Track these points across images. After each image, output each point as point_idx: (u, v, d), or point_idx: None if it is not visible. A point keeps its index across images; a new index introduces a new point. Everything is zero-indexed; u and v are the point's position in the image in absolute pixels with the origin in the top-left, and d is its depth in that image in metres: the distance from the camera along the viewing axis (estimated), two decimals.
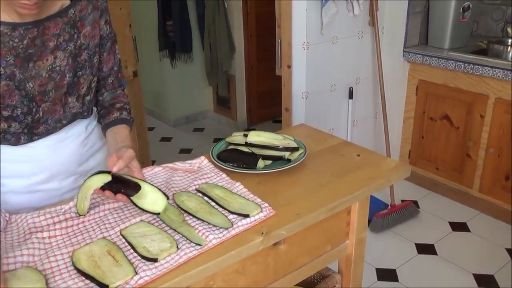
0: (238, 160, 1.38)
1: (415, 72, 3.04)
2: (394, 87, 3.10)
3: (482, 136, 2.76)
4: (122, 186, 1.11)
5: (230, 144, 1.50)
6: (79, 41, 1.19)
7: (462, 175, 2.94)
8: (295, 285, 1.46)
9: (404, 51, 3.02)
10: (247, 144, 1.45)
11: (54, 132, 1.25)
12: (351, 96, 2.90)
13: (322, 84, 2.78)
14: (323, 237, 1.33)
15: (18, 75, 1.11)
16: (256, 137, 1.46)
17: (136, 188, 1.10)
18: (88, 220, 1.15)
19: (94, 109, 1.41)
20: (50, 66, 1.16)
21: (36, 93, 1.15)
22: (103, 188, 1.11)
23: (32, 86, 1.14)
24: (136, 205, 1.10)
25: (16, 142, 1.21)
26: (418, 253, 2.56)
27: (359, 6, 2.70)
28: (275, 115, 4.36)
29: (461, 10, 2.87)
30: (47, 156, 1.27)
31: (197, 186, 1.28)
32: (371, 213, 2.65)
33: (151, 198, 1.10)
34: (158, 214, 1.11)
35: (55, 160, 1.28)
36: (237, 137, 1.52)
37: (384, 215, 2.75)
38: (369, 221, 2.65)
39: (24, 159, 1.24)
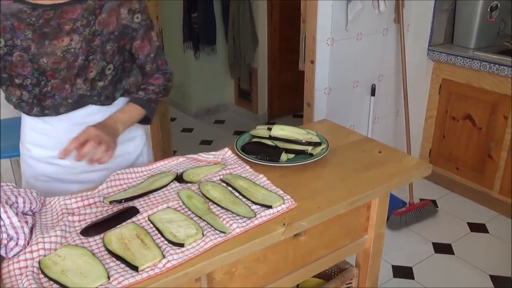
0: (261, 153, 1.42)
1: (439, 71, 3.02)
2: (417, 85, 3.09)
3: (505, 137, 2.74)
4: None
5: (254, 137, 1.54)
6: (94, 27, 1.25)
7: (483, 176, 2.92)
8: (313, 277, 1.50)
9: (428, 49, 3.00)
10: (271, 138, 1.49)
11: (61, 108, 1.30)
12: (373, 93, 2.90)
13: (345, 80, 2.79)
14: (343, 230, 1.36)
15: (33, 49, 1.21)
16: (280, 130, 1.50)
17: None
18: (117, 207, 1.19)
19: (122, 99, 1.42)
20: (66, 47, 1.23)
21: (48, 68, 1.24)
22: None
23: (45, 61, 1.23)
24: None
25: (29, 111, 1.31)
26: (435, 252, 2.57)
27: (384, 3, 2.69)
28: (296, 109, 4.38)
29: (488, 9, 2.84)
30: (64, 135, 1.30)
31: (221, 177, 1.32)
32: (389, 211, 2.65)
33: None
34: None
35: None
36: (261, 130, 1.55)
37: (402, 213, 2.76)
38: (387, 219, 2.66)
39: (45, 133, 1.36)
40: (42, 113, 1.31)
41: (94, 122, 1.32)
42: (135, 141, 1.51)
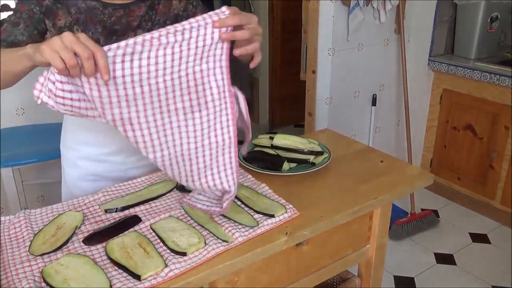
0: (263, 162, 1.42)
1: (440, 81, 3.03)
2: (418, 95, 3.10)
3: (507, 147, 2.74)
4: None
5: (256, 146, 1.54)
6: (154, 21, 1.35)
7: (484, 186, 2.92)
8: (315, 287, 1.49)
9: (429, 59, 3.02)
10: (273, 147, 1.49)
11: None
12: (374, 103, 2.91)
13: (346, 90, 2.80)
14: (345, 240, 1.35)
15: (102, 43, 1.27)
16: (282, 140, 1.50)
17: None
18: (119, 215, 1.19)
19: None
20: None
21: None
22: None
23: None
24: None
25: None
26: (437, 263, 2.56)
27: (385, 14, 2.71)
28: (297, 119, 4.39)
29: (489, 20, 2.86)
30: (116, 130, 1.30)
31: None
32: (391, 221, 2.64)
33: None
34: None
35: (122, 136, 1.34)
36: (263, 139, 1.55)
37: (403, 223, 2.75)
38: (389, 229, 2.66)
39: (96, 129, 1.37)
40: None
41: None
42: None
